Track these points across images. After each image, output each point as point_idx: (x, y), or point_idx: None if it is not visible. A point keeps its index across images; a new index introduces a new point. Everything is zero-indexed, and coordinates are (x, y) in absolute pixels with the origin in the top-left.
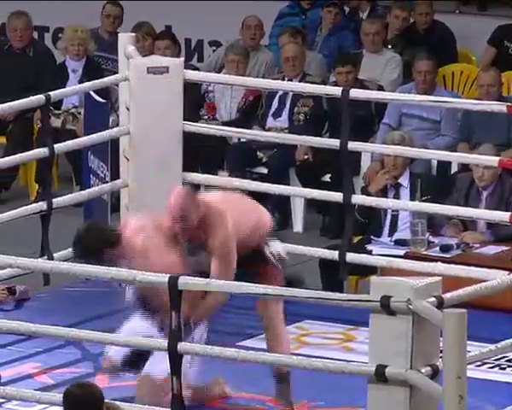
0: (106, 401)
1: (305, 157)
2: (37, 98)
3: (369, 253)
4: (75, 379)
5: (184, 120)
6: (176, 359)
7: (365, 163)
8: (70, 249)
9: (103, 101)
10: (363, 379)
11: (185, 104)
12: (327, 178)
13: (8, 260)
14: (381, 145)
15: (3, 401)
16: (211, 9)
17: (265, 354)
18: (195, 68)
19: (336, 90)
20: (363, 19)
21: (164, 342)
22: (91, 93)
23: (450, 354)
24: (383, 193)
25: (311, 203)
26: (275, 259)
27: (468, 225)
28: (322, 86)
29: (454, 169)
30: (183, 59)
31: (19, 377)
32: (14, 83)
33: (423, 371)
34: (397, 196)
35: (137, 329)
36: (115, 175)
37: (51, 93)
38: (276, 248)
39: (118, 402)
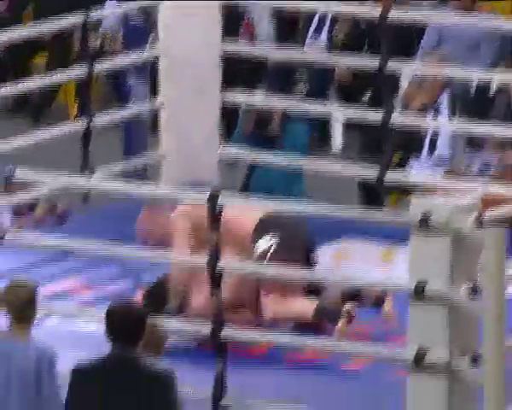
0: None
1: (344, 77)
2: (77, 18)
3: (409, 171)
4: (117, 295)
5: (223, 40)
6: (215, 278)
7: (404, 84)
8: (109, 167)
9: (142, 23)
10: None
11: (223, 24)
12: (366, 97)
13: (48, 177)
14: (420, 65)
15: (45, 317)
16: None
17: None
18: None
19: (376, 12)
20: None
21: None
22: (130, 14)
23: (489, 273)
24: (423, 112)
25: (349, 123)
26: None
27: (506, 144)
28: (361, 7)
29: (493, 89)
30: None
31: (60, 293)
32: (53, 3)
33: (463, 289)
34: (436, 116)
35: None
36: (154, 95)
37: (91, 13)
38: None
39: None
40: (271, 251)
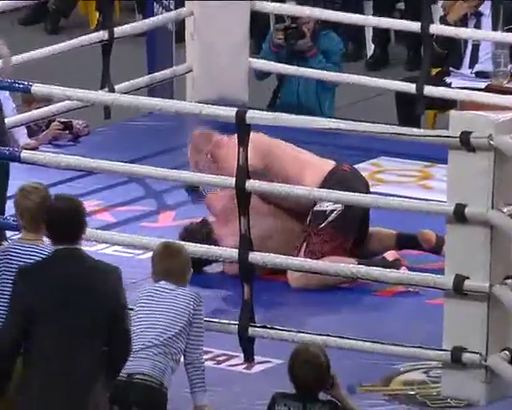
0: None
1: None
2: None
3: (448, 85)
4: (138, 217)
5: None
6: (246, 267)
7: None
8: (132, 81)
9: None
10: None
11: None
12: (402, 5)
13: (67, 91)
14: None
15: None
16: None
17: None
18: None
19: None
20: None
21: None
22: None
23: None
24: (463, 22)
25: (385, 33)
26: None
27: None
28: None
29: None
30: None
31: None
32: None
33: (505, 210)
34: (478, 26)
35: None
36: (180, 3)
37: None
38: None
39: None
40: (332, 218)
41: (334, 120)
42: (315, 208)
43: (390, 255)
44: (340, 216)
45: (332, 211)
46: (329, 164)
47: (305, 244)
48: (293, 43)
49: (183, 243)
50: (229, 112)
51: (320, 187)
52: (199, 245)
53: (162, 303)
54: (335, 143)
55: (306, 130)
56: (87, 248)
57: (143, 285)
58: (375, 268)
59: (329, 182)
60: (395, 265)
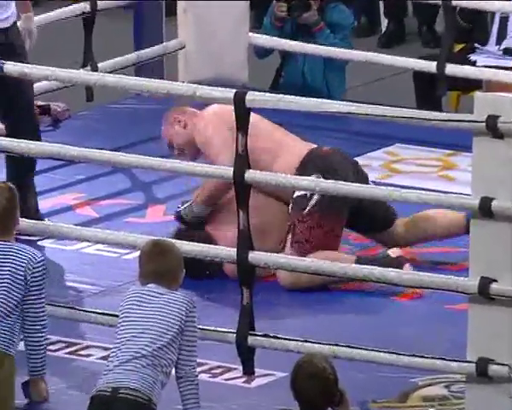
0: None
1: None
2: None
3: (473, 64)
4: (124, 212)
5: None
6: (246, 269)
7: None
8: (117, 59)
9: None
10: None
11: None
12: None
13: (45, 70)
14: None
15: (39, 237)
16: None
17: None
18: None
19: None
20: None
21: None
22: None
23: None
24: None
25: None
26: None
27: None
28: None
29: None
30: None
31: (57, 209)
32: None
33: None
34: None
35: None
36: None
37: None
38: None
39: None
40: (314, 201)
41: (343, 102)
42: (294, 195)
43: (394, 252)
44: (324, 196)
45: (313, 193)
46: (308, 145)
47: (289, 236)
48: (298, 16)
49: (174, 240)
50: (227, 93)
51: (296, 171)
52: (192, 244)
53: (151, 309)
54: (345, 129)
55: (313, 114)
56: (67, 247)
57: (130, 288)
58: (391, 269)
59: (307, 164)
60: (398, 262)
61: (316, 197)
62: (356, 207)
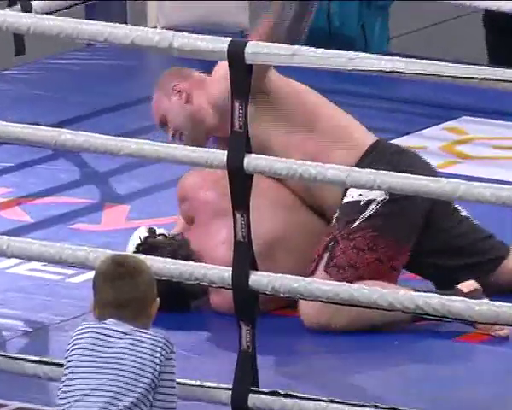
0: None
1: None
2: None
3: None
4: (69, 215)
5: None
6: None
7: None
8: None
9: None
10: None
11: None
12: None
13: None
14: None
15: None
16: None
17: None
18: None
19: None
20: None
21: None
22: None
23: None
24: None
25: None
26: None
27: None
28: None
29: None
30: None
31: None
32: None
33: None
34: None
35: None
36: None
37: None
38: None
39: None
40: (370, 211)
41: (386, 57)
42: (344, 201)
43: (466, 286)
44: (385, 209)
45: (370, 202)
46: (370, 137)
47: (326, 255)
48: None
49: (143, 256)
50: (219, 44)
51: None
52: (169, 260)
53: (111, 355)
54: (389, 96)
55: (342, 73)
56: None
57: (79, 326)
58: (455, 298)
59: (373, 160)
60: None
61: (373, 208)
62: (430, 231)
